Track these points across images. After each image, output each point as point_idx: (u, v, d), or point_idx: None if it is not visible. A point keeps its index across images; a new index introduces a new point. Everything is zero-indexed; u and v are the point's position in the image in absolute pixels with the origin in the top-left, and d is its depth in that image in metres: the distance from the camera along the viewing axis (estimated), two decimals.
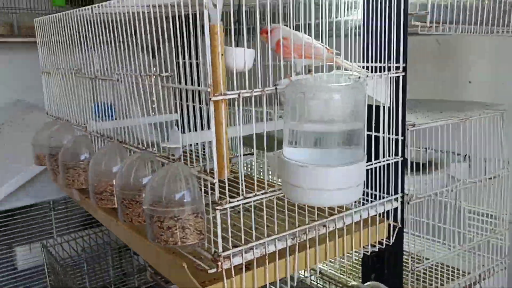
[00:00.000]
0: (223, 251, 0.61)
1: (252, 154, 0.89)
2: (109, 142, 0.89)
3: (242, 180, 0.61)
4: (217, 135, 0.59)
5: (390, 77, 0.76)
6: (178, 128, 0.67)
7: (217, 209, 0.60)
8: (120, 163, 0.79)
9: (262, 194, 0.63)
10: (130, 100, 0.78)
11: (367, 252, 0.80)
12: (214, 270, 0.61)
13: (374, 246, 0.79)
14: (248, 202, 0.63)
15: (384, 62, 0.75)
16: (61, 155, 0.95)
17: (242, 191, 0.62)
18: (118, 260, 1.55)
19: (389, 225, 0.80)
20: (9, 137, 1.82)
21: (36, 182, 1.52)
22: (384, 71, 0.75)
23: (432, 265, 1.02)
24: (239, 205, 0.62)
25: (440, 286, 0.99)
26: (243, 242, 0.64)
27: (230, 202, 0.61)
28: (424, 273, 1.02)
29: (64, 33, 0.99)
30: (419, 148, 1.09)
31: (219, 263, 0.61)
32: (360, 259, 0.92)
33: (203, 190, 0.62)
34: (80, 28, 0.91)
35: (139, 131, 0.80)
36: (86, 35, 0.89)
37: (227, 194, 0.61)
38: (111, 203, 0.80)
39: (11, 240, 1.57)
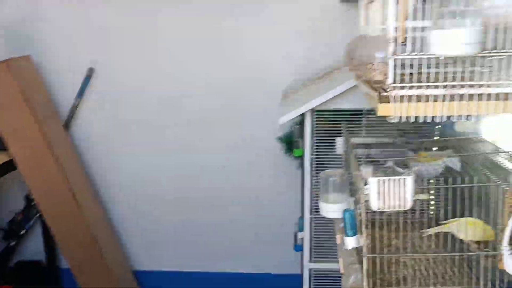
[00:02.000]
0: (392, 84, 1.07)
1: None
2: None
3: (409, 42, 1.05)
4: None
5: None
6: None
7: (391, 58, 1.06)
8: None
9: (422, 54, 1.06)
10: None
11: None
12: (385, 94, 1.08)
13: None
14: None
15: None
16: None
17: (409, 50, 1.06)
18: None
19: None
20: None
21: (354, 93, 2.17)
22: None
23: None
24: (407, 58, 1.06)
25: None
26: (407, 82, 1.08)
27: (399, 55, 1.06)
28: None
29: None
30: None
31: (389, 90, 1.07)
32: None
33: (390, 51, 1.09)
34: None
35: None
36: None
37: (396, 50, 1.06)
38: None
39: (335, 132, 2.29)
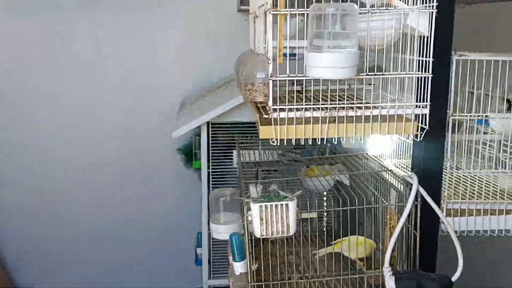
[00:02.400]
0: (272, 106, 1.03)
1: None
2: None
3: (287, 65, 1.02)
4: (279, 39, 1.01)
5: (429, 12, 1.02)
6: None
7: (270, 79, 1.02)
8: None
9: (301, 76, 1.03)
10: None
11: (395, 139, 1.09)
12: (266, 116, 1.04)
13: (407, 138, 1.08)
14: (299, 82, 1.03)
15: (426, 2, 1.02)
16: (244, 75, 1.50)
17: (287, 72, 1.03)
18: None
19: (418, 126, 1.07)
20: None
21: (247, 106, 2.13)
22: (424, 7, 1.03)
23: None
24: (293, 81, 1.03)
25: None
26: (287, 103, 1.05)
27: (279, 76, 1.02)
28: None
29: None
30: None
31: (270, 113, 1.03)
32: None
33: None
34: None
35: None
36: None
37: (278, 72, 1.02)
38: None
39: (231, 145, 2.24)
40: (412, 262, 1.09)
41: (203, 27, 2.67)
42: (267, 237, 1.05)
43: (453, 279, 1.02)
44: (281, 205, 1.03)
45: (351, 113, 1.05)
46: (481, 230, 1.13)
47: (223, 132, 2.24)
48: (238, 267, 1.24)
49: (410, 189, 1.10)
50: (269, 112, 1.04)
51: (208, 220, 2.17)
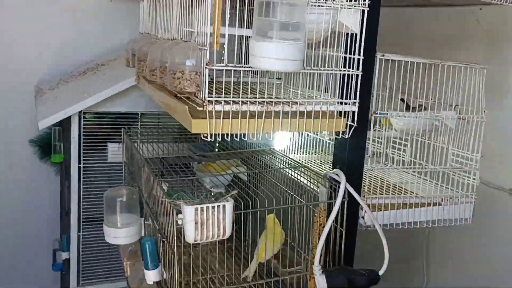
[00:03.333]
0: (208, 98, 0.94)
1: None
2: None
3: (226, 52, 0.94)
4: (216, 22, 0.92)
5: (359, 10, 1.03)
6: None
7: (206, 68, 0.93)
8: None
9: (239, 66, 0.95)
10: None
11: (325, 138, 1.08)
12: (201, 108, 0.94)
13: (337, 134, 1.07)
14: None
15: None
16: (138, 53, 1.35)
17: (225, 61, 0.94)
18: None
19: (347, 124, 1.07)
20: (121, 65, 2.29)
21: (129, 95, 1.96)
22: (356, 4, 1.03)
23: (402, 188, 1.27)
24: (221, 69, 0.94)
25: (396, 195, 1.22)
26: (223, 95, 0.96)
27: (216, 65, 0.93)
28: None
29: None
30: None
31: (204, 105, 0.94)
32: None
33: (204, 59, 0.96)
34: None
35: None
36: None
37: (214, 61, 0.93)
38: (156, 77, 1.17)
39: (105, 137, 2.04)
40: (338, 259, 1.10)
41: (66, 4, 2.40)
42: (201, 242, 0.95)
43: (380, 272, 1.05)
44: (218, 206, 0.94)
45: (286, 108, 1.00)
46: (400, 223, 1.20)
47: (94, 123, 2.02)
48: (151, 276, 1.12)
49: (333, 185, 1.10)
50: (204, 104, 0.94)
51: (79, 222, 1.97)
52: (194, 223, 0.93)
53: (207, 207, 0.93)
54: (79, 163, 1.98)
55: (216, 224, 0.94)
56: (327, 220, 1.07)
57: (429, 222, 1.24)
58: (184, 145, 1.82)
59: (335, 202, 1.07)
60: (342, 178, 1.08)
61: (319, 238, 1.07)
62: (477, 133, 1.26)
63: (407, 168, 1.28)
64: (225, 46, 0.92)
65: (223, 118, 0.95)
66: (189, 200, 0.94)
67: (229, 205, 0.95)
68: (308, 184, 1.20)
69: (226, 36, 0.93)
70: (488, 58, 1.57)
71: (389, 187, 1.29)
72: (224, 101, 0.95)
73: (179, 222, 0.95)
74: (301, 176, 1.24)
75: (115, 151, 2.05)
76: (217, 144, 1.64)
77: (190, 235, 0.94)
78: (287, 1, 0.86)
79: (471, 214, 1.30)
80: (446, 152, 1.30)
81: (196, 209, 0.93)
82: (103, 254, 2.08)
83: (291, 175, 1.27)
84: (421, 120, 1.25)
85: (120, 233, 1.31)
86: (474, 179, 1.28)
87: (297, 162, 1.31)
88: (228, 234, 0.96)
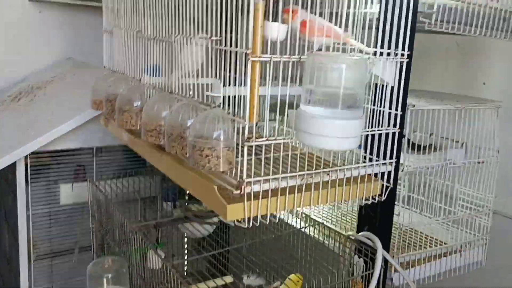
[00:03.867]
0: (246, 179, 0.79)
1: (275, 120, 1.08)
2: (160, 92, 1.08)
3: (266, 125, 0.79)
4: (251, 89, 0.76)
5: (396, 61, 0.92)
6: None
7: (245, 145, 0.78)
8: (169, 107, 0.98)
9: (281, 139, 0.81)
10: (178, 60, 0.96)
11: (362, 204, 0.97)
12: (238, 192, 0.79)
13: (368, 200, 0.96)
14: (268, 146, 0.81)
15: (393, 49, 0.92)
16: (118, 100, 1.15)
17: (266, 135, 0.80)
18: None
19: (383, 185, 0.97)
20: (61, 88, 2.03)
21: (83, 129, 1.72)
22: (392, 56, 0.92)
23: (418, 232, 1.19)
24: (261, 145, 0.80)
25: (423, 249, 1.15)
26: (262, 174, 0.82)
27: (256, 140, 0.79)
28: (410, 235, 1.19)
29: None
30: (422, 133, 1.25)
31: (242, 187, 0.79)
32: (348, 213, 1.10)
33: (235, 130, 0.80)
34: None
35: (186, 86, 0.98)
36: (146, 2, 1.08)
37: (254, 135, 0.78)
38: (158, 139, 0.99)
39: (56, 178, 1.78)
40: None
41: None
42: None
43: None
44: None
45: (325, 177, 0.88)
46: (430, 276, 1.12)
47: (45, 164, 1.76)
48: None
49: (361, 249, 1.00)
50: (242, 187, 0.79)
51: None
52: None
53: None
54: (28, 210, 1.71)
55: None
56: None
57: (450, 272, 1.18)
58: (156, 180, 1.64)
59: (372, 274, 0.96)
60: (378, 245, 0.98)
61: None
62: (490, 173, 1.22)
63: (432, 218, 1.21)
64: (266, 114, 0.77)
65: (260, 198, 0.81)
66: None
67: None
68: (328, 244, 1.09)
69: (267, 100, 0.78)
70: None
71: (411, 237, 1.21)
72: (263, 180, 0.81)
73: None
74: (316, 235, 1.13)
75: (67, 193, 1.81)
76: None
77: None
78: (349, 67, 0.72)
79: (485, 256, 1.26)
80: (456, 193, 1.25)
81: None
82: None
83: (306, 233, 1.15)
84: (432, 160, 1.18)
85: None
86: (487, 220, 1.24)
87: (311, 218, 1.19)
88: None
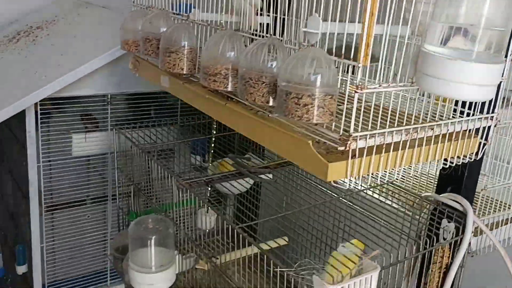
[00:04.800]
0: (353, 133, 0.66)
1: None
2: (221, 30, 0.93)
3: (381, 68, 0.66)
4: (369, 24, 0.63)
5: None
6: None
7: (357, 92, 0.65)
8: (237, 48, 0.84)
9: (393, 86, 0.68)
10: None
11: (452, 163, 0.86)
12: (342, 148, 0.67)
13: (465, 158, 0.85)
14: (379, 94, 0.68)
15: None
16: (163, 39, 0.99)
17: (380, 81, 0.67)
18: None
19: (479, 142, 0.86)
20: (67, 29, 1.84)
21: (97, 74, 1.56)
22: None
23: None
24: (372, 93, 0.67)
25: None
26: (369, 127, 0.69)
27: (368, 89, 0.65)
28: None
29: None
30: None
31: (348, 143, 0.66)
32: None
33: (340, 76, 0.67)
34: None
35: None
36: None
37: (366, 81, 0.65)
38: (223, 85, 0.85)
39: (67, 127, 1.63)
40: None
41: None
42: None
43: None
44: (365, 278, 0.69)
45: (429, 132, 0.76)
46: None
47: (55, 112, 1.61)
48: None
49: (442, 210, 0.90)
50: (347, 142, 0.66)
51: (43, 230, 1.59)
52: None
53: (355, 283, 0.68)
54: (38, 162, 1.57)
55: None
56: (452, 261, 0.87)
57: None
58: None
59: (463, 238, 0.87)
60: (468, 208, 0.88)
61: (441, 283, 0.87)
62: None
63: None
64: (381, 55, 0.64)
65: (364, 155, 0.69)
66: (318, 271, 0.68)
67: (376, 274, 0.71)
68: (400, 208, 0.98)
69: (385, 40, 0.64)
70: None
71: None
72: (370, 135, 0.68)
73: None
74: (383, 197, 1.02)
75: (80, 143, 1.66)
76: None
77: None
78: None
79: None
80: None
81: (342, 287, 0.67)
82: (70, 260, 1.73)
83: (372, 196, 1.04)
84: None
85: (156, 278, 1.01)
86: None
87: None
88: None
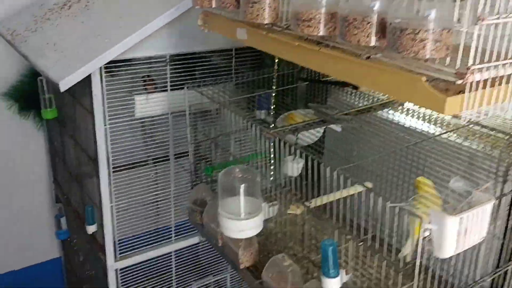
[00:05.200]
0: (472, 66, 0.67)
1: None
2: None
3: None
4: None
5: None
6: None
7: (478, 24, 0.65)
8: None
9: None
10: None
11: None
12: (460, 81, 0.67)
13: None
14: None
15: None
16: None
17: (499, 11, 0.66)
18: None
19: None
20: None
21: (157, 35, 1.57)
22: None
23: None
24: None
25: None
26: (486, 60, 0.69)
27: (488, 19, 0.65)
28: None
29: None
30: None
31: (467, 76, 0.67)
32: None
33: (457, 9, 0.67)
34: None
35: None
36: None
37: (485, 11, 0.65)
38: (317, 30, 0.86)
39: (130, 89, 1.66)
40: None
41: None
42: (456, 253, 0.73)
43: None
44: (482, 209, 0.71)
45: None
46: None
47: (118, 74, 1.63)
48: (332, 285, 0.89)
49: None
50: (466, 75, 0.67)
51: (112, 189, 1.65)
52: (456, 235, 0.70)
53: (472, 214, 0.70)
54: (105, 124, 1.61)
55: (477, 229, 0.72)
56: None
57: None
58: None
59: None
60: None
61: None
62: None
63: None
64: None
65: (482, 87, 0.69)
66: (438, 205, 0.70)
67: (490, 206, 0.73)
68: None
69: None
70: None
71: None
72: (486, 67, 0.68)
73: (426, 234, 0.71)
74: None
75: (143, 105, 1.69)
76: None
77: (449, 250, 0.71)
78: None
79: None
80: None
81: (462, 218, 0.69)
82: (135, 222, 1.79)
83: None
84: None
85: (245, 225, 1.05)
86: None
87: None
88: (484, 235, 0.74)
